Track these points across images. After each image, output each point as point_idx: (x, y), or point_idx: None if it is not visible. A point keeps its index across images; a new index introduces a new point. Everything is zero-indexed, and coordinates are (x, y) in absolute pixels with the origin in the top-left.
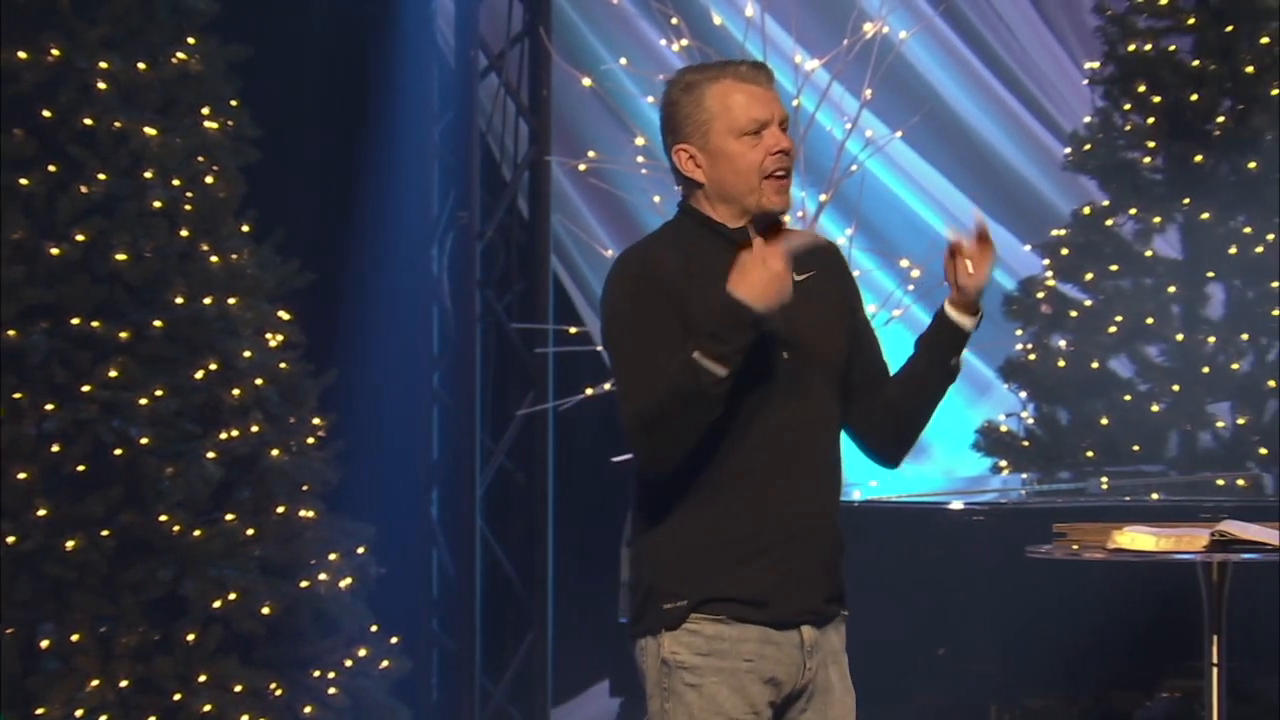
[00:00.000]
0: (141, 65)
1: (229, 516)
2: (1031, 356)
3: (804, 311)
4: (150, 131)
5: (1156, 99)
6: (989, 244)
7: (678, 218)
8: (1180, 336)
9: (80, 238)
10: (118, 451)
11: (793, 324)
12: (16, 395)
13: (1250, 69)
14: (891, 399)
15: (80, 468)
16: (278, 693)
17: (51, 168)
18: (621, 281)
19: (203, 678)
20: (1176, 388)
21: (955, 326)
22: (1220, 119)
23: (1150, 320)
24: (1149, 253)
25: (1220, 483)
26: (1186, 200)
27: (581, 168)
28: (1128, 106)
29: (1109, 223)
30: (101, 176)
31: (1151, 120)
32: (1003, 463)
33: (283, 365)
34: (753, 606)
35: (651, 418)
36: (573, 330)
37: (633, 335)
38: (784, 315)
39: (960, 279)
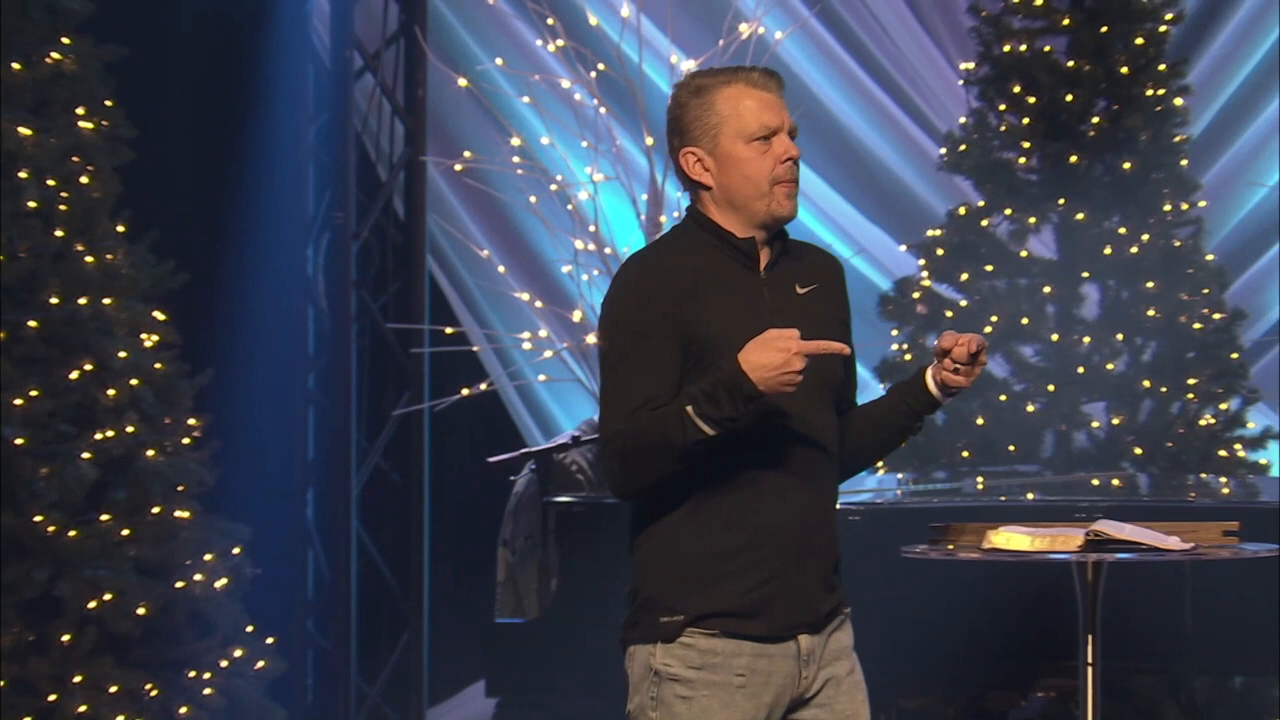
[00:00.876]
0: (16, 65)
1: (104, 517)
2: (907, 357)
3: (806, 325)
4: (25, 131)
5: (1031, 99)
6: (981, 363)
7: (685, 223)
8: (1055, 336)
9: None
10: None
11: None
12: None
13: (1124, 69)
14: (852, 432)
15: None
16: (153, 693)
17: None
18: (625, 290)
19: (78, 678)
20: (1052, 388)
21: (932, 398)
22: (1095, 119)
23: (1025, 320)
24: (1024, 253)
25: (1095, 482)
26: (1061, 200)
27: (457, 168)
28: (1003, 107)
29: (984, 223)
30: None
31: (1026, 121)
32: (879, 463)
33: (158, 366)
34: (746, 620)
35: (628, 450)
36: (449, 330)
37: (626, 349)
38: (795, 328)
39: (946, 378)
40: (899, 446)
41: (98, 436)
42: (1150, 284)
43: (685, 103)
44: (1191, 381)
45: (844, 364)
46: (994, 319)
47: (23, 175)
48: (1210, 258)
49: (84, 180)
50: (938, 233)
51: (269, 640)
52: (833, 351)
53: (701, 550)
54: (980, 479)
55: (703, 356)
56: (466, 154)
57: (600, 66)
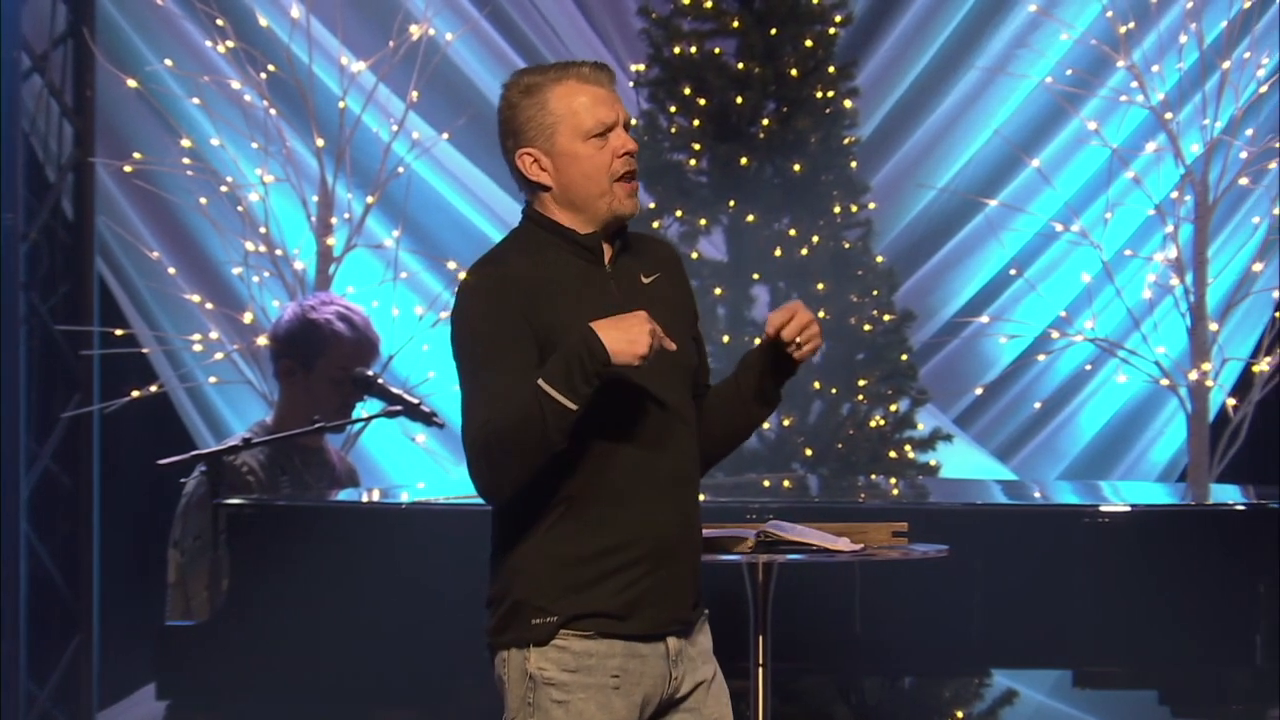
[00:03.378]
0: None
1: None
2: None
3: (657, 312)
4: None
5: (702, 101)
6: (807, 325)
7: (524, 225)
8: (726, 338)
9: None
10: None
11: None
12: None
13: (794, 71)
14: (710, 419)
15: None
16: None
17: None
18: (474, 294)
19: None
20: None
21: (764, 380)
22: (765, 121)
23: None
24: (695, 255)
25: (765, 484)
26: (732, 202)
27: (127, 169)
28: (673, 109)
29: (655, 225)
30: None
31: (697, 123)
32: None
33: None
34: (619, 620)
35: (492, 446)
36: (119, 332)
37: (481, 352)
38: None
39: (793, 354)
40: (751, 432)
41: None
42: (820, 286)
43: (517, 103)
44: (861, 383)
45: (696, 350)
46: None
47: None
48: (880, 259)
49: None
50: None
51: None
52: (668, 349)
53: (573, 551)
54: None
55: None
56: (136, 155)
57: (270, 68)
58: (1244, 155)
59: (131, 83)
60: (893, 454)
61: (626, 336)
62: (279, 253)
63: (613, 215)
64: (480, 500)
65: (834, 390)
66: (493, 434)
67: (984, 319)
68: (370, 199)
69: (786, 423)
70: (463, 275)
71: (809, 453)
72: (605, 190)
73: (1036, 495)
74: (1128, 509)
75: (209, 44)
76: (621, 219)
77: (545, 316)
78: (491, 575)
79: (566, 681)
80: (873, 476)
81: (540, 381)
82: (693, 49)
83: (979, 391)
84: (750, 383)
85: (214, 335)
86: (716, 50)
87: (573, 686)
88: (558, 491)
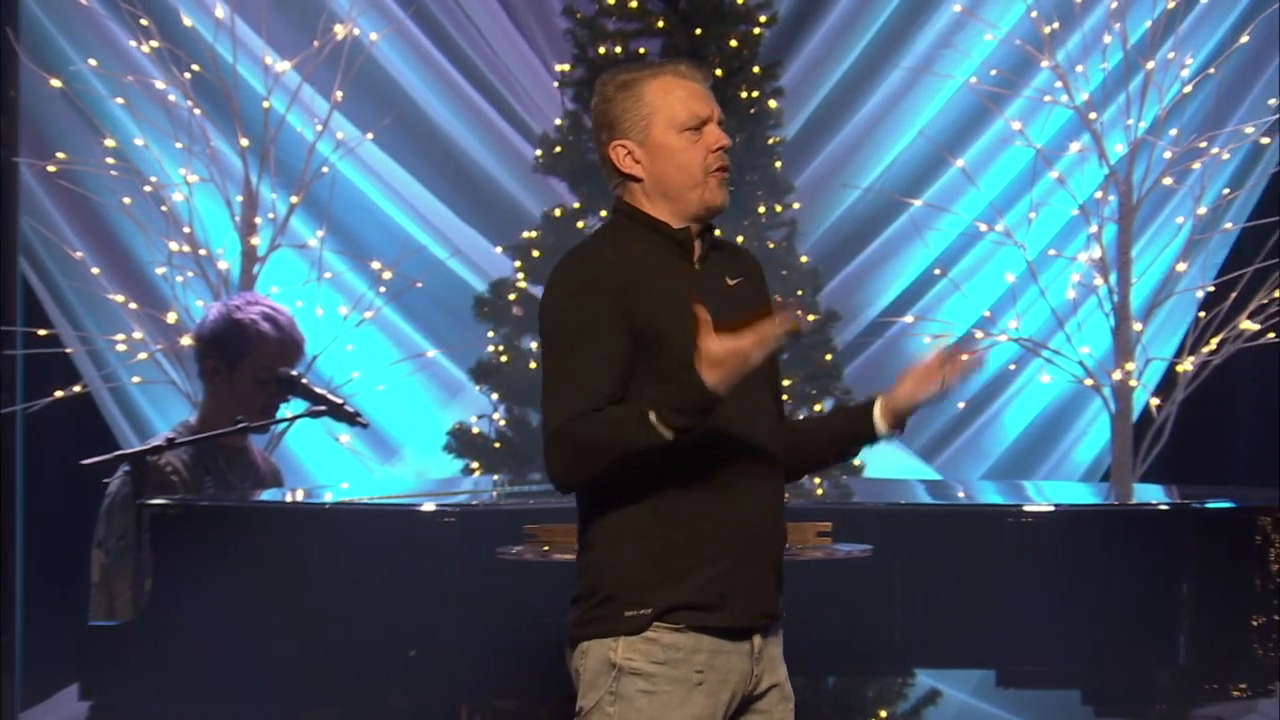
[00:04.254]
0: None
1: None
2: (504, 359)
3: (737, 318)
4: None
5: None
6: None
7: (616, 218)
8: None
9: None
10: None
11: (735, 330)
12: None
13: (719, 72)
14: (791, 445)
15: None
16: None
17: None
18: (570, 284)
19: None
20: None
21: (874, 431)
22: None
23: None
24: None
25: None
26: None
27: (51, 169)
28: None
29: (580, 224)
30: None
31: None
32: (475, 464)
33: None
34: (709, 612)
35: (581, 444)
36: (42, 333)
37: (574, 340)
38: (727, 322)
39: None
40: (830, 467)
41: None
42: None
43: (612, 97)
44: (786, 383)
45: (775, 359)
46: None
47: None
48: (805, 259)
49: None
50: (533, 234)
51: None
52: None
53: (665, 544)
54: None
55: (652, 346)
56: (60, 155)
57: (194, 68)
58: (1168, 155)
59: (55, 82)
60: None
61: (734, 375)
62: (203, 253)
63: (704, 207)
64: (404, 501)
65: None
66: (584, 436)
67: (908, 319)
68: (294, 199)
69: None
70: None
71: None
72: (698, 182)
73: (960, 495)
74: (1051, 509)
75: (133, 44)
76: (713, 211)
77: (638, 305)
78: (582, 571)
79: (654, 673)
80: None
81: (649, 413)
82: (617, 49)
83: None
84: (844, 437)
85: (138, 335)
86: (641, 50)
87: (659, 679)
88: (648, 486)
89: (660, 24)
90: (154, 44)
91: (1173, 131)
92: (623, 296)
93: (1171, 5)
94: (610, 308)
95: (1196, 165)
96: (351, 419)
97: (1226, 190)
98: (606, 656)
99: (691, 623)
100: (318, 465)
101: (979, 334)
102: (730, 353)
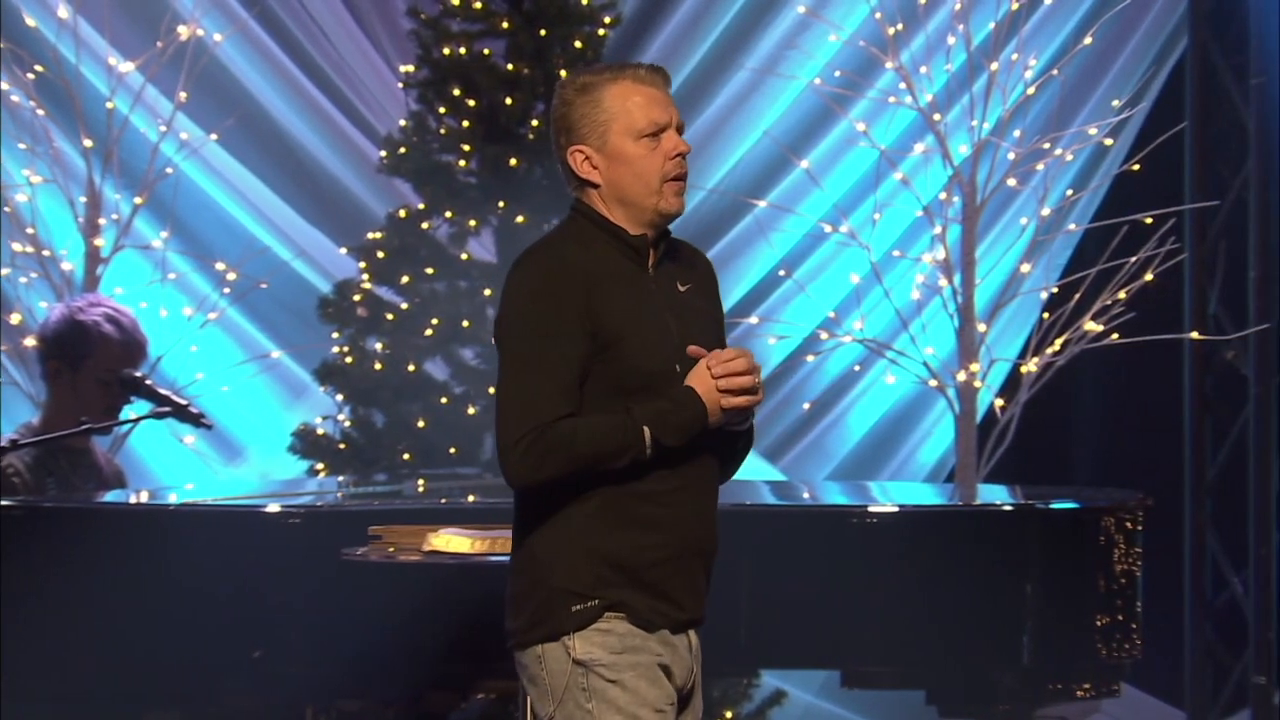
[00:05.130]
0: None
1: None
2: (348, 359)
3: (690, 322)
4: None
5: (471, 102)
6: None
7: (573, 219)
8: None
9: None
10: None
11: (686, 338)
12: None
13: (564, 73)
14: None
15: None
16: None
17: None
18: (533, 281)
19: None
20: (492, 390)
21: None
22: (534, 122)
23: (466, 323)
24: (465, 255)
25: None
26: (501, 203)
27: None
28: (443, 110)
29: (425, 226)
30: None
31: (466, 123)
32: (319, 465)
33: None
34: (656, 611)
35: (557, 449)
36: None
37: (538, 341)
38: (679, 328)
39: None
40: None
41: None
42: None
43: (571, 100)
44: None
45: None
46: (435, 322)
47: None
48: None
49: None
50: (378, 235)
51: None
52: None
53: (608, 545)
54: (421, 481)
55: (608, 349)
56: None
57: (38, 68)
58: (1011, 156)
59: None
60: None
61: (728, 406)
62: (46, 254)
63: (660, 214)
64: (248, 502)
65: None
66: (561, 442)
67: (753, 320)
68: (138, 200)
69: None
70: (519, 260)
71: None
72: (654, 190)
73: (805, 496)
74: (896, 510)
75: None
76: (669, 218)
77: (598, 306)
78: (517, 571)
79: (615, 662)
80: None
81: (645, 428)
82: (462, 50)
83: None
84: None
85: None
86: (486, 51)
87: (621, 666)
88: (593, 488)
89: (504, 25)
90: None
91: (1016, 133)
92: (585, 297)
93: (1015, 7)
94: (574, 308)
95: (1040, 166)
96: (196, 420)
97: (1070, 191)
98: (566, 655)
99: (640, 616)
100: (162, 467)
101: (824, 334)
102: (738, 381)
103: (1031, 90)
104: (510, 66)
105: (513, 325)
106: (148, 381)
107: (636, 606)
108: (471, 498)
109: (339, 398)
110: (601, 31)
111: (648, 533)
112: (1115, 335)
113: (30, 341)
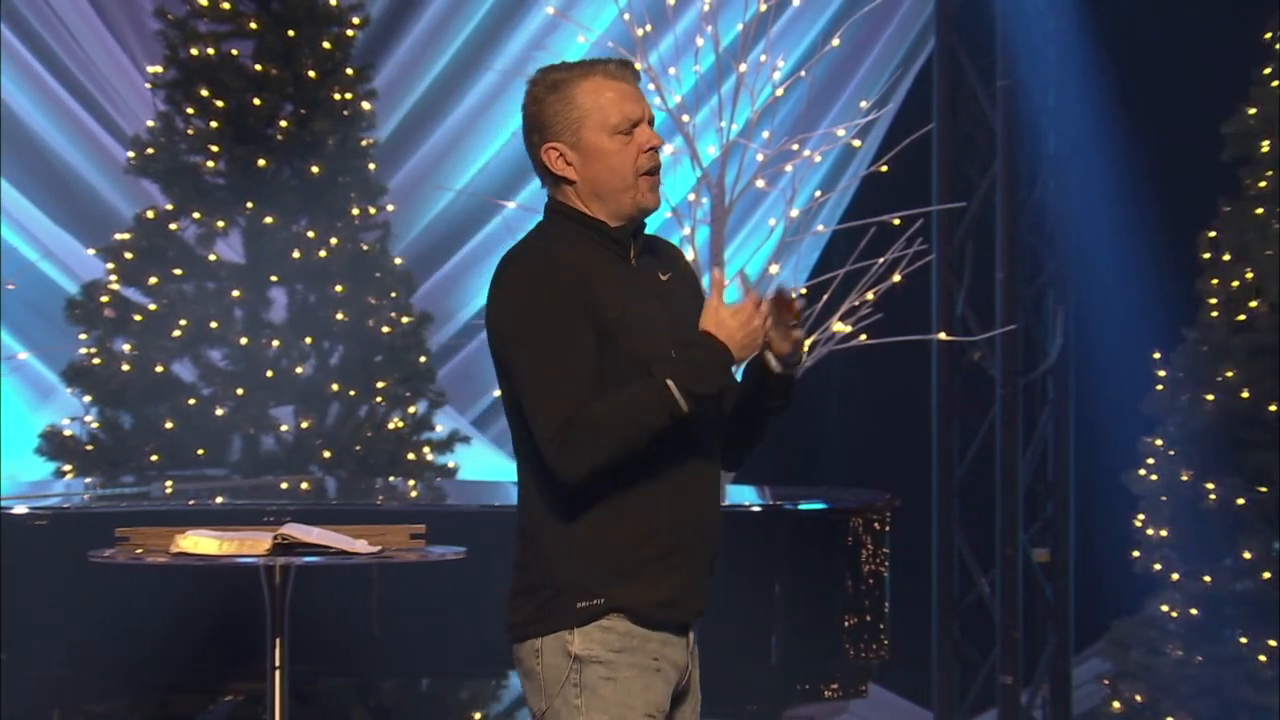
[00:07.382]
0: None
1: None
2: (96, 360)
3: (680, 312)
4: None
5: (219, 103)
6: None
7: (552, 219)
8: (244, 340)
9: None
10: None
11: (675, 325)
12: None
13: (313, 73)
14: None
15: None
16: None
17: None
18: (527, 281)
19: None
20: (240, 391)
21: (770, 374)
22: (283, 123)
23: (214, 324)
24: (212, 256)
25: (284, 485)
26: (250, 204)
27: None
28: (191, 110)
29: (172, 226)
30: None
31: (214, 124)
32: (66, 467)
33: None
34: (662, 608)
35: (594, 435)
36: None
37: (549, 336)
38: (668, 315)
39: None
40: (764, 435)
41: None
42: (339, 288)
43: (542, 99)
44: (380, 385)
45: None
46: (183, 323)
47: None
48: (398, 261)
49: None
50: (125, 236)
51: None
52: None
53: (615, 540)
54: (169, 483)
55: (606, 340)
56: None
57: None
58: (760, 158)
59: None
60: (411, 456)
61: (740, 325)
62: None
63: (636, 209)
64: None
65: (352, 392)
66: (592, 426)
67: None
68: None
69: (305, 425)
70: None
71: (327, 455)
72: (629, 184)
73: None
74: None
75: None
76: (645, 212)
77: (595, 299)
78: (521, 566)
79: (613, 660)
80: (391, 479)
81: (668, 382)
82: (210, 50)
83: (498, 393)
84: (752, 396)
85: None
86: (234, 52)
87: (619, 665)
88: (598, 482)
89: (253, 25)
90: None
91: (765, 134)
92: (582, 290)
93: (763, 8)
94: (574, 301)
95: (788, 168)
96: None
97: (818, 193)
98: (564, 649)
99: (645, 618)
100: None
101: None
102: (745, 311)
103: (780, 91)
104: (258, 67)
105: (519, 327)
106: None
107: (641, 607)
108: (220, 499)
109: (87, 399)
110: (350, 32)
111: (654, 527)
112: (864, 336)
113: None
